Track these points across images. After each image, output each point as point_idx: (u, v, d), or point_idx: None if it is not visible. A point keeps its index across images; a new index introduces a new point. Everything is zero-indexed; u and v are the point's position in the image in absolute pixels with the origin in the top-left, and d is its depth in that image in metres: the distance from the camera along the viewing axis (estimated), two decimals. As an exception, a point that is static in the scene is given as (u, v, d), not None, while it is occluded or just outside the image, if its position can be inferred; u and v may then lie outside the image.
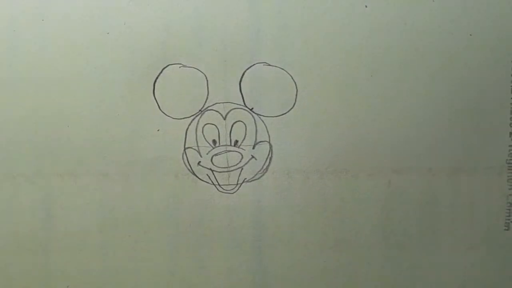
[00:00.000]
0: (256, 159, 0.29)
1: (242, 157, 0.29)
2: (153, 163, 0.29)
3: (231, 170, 0.30)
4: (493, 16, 0.29)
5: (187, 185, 0.30)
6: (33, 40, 0.29)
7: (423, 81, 0.29)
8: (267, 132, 0.29)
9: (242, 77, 0.29)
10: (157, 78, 0.29)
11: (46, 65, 0.29)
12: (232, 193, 0.30)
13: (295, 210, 0.30)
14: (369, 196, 0.30)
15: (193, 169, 0.30)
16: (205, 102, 0.29)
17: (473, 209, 0.30)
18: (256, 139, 0.29)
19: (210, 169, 0.30)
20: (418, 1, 0.29)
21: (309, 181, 0.29)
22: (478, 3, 0.29)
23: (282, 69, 0.29)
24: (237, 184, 0.30)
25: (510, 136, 0.29)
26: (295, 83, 0.29)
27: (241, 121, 0.29)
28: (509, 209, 0.29)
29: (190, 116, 0.29)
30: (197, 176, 0.30)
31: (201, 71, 0.29)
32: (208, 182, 0.30)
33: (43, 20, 0.29)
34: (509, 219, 0.29)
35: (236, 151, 0.29)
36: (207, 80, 0.29)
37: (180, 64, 0.29)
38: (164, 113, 0.29)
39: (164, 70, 0.29)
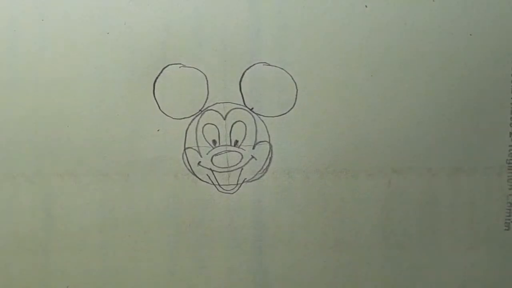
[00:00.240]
0: (256, 159, 0.29)
1: (242, 157, 0.29)
2: (153, 163, 0.29)
3: (231, 170, 0.30)
4: (493, 16, 0.29)
5: (187, 185, 0.30)
6: (33, 40, 0.29)
7: (423, 81, 0.29)
8: (267, 132, 0.29)
9: (242, 77, 0.29)
10: (157, 78, 0.29)
11: (46, 65, 0.29)
12: (232, 193, 0.30)
13: (295, 210, 0.30)
14: (369, 196, 0.30)
15: (193, 169, 0.30)
16: (205, 102, 0.29)
17: (473, 209, 0.30)
18: (256, 139, 0.29)
19: (210, 169, 0.30)
20: (418, 1, 0.29)
21: (309, 181, 0.29)
22: (478, 3, 0.29)
23: (282, 69, 0.29)
24: (237, 184, 0.30)
25: (510, 136, 0.29)
26: (295, 83, 0.29)
27: (241, 121, 0.29)
28: (509, 209, 0.29)
29: (190, 116, 0.29)
30: (197, 176, 0.30)
31: (201, 71, 0.29)
32: (208, 182, 0.30)
33: (43, 20, 0.29)
34: (509, 219, 0.29)
35: (236, 151, 0.29)
36: (207, 80, 0.29)
37: (180, 64, 0.29)
38: (164, 113, 0.29)
39: (164, 70, 0.29)
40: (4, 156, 0.29)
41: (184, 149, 0.29)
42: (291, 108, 0.29)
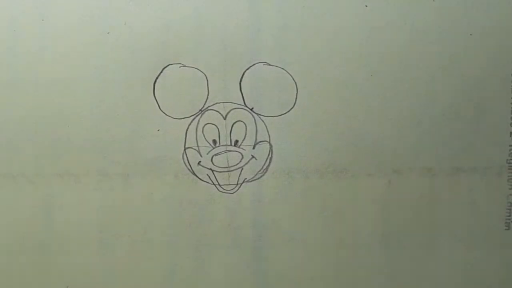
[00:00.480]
0: (256, 159, 0.29)
1: (242, 157, 0.29)
2: (153, 163, 0.29)
3: (231, 170, 0.30)
4: (493, 16, 0.29)
5: (187, 185, 0.30)
6: (33, 40, 0.29)
7: (423, 81, 0.29)
8: (267, 132, 0.29)
9: (242, 77, 0.29)
10: (157, 78, 0.29)
11: (46, 65, 0.29)
12: (232, 193, 0.30)
13: (295, 210, 0.30)
14: (369, 196, 0.30)
15: (193, 169, 0.30)
16: (205, 102, 0.29)
17: (473, 209, 0.30)
18: (256, 139, 0.29)
19: (210, 169, 0.30)
20: (418, 1, 0.29)
21: (309, 181, 0.29)
22: (478, 3, 0.29)
23: (282, 69, 0.29)
24: (237, 184, 0.30)
25: (510, 136, 0.29)
26: (295, 83, 0.29)
27: (241, 121, 0.29)
28: (510, 209, 0.29)
29: (190, 116, 0.29)
30: (197, 176, 0.30)
31: (201, 71, 0.29)
32: (208, 182, 0.30)
33: (43, 20, 0.29)
34: (509, 219, 0.29)
35: (236, 151, 0.29)
36: (207, 80, 0.29)
37: (180, 64, 0.29)
38: (164, 113, 0.29)
39: (164, 70, 0.29)
40: (4, 156, 0.29)
41: (184, 149, 0.29)
42: (291, 108, 0.29)
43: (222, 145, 0.29)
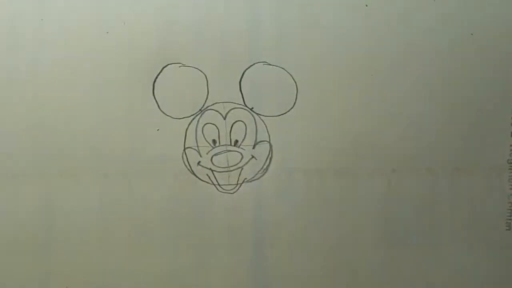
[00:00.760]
0: (256, 159, 0.29)
1: (242, 157, 0.29)
2: (153, 163, 0.29)
3: (231, 170, 0.30)
4: (493, 16, 0.29)
5: (187, 185, 0.30)
6: (33, 40, 0.29)
7: (423, 81, 0.29)
8: (267, 131, 0.29)
9: (242, 76, 0.29)
10: (157, 78, 0.29)
11: (46, 65, 0.29)
12: (232, 193, 0.30)
13: (295, 210, 0.30)
14: (369, 196, 0.30)
15: (193, 169, 0.30)
16: (205, 101, 0.29)
17: (474, 209, 0.29)
18: (256, 138, 0.29)
19: (210, 169, 0.30)
20: (418, 1, 0.29)
21: (309, 181, 0.29)
22: (478, 3, 0.29)
23: (283, 68, 0.29)
24: (237, 184, 0.30)
25: (511, 136, 0.29)
26: (295, 82, 0.29)
27: (241, 121, 0.29)
28: (510, 209, 0.29)
29: (190, 116, 0.29)
30: (197, 176, 0.30)
31: (201, 71, 0.29)
32: (208, 182, 0.30)
33: (43, 20, 0.29)
34: (510, 219, 0.29)
35: (236, 151, 0.29)
36: (207, 80, 0.29)
37: (180, 63, 0.29)
38: (164, 113, 0.29)
39: (164, 70, 0.29)
40: (4, 156, 0.29)
41: (184, 149, 0.29)
42: (291, 108, 0.29)
43: (222, 145, 0.29)
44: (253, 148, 0.29)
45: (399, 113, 0.29)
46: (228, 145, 0.29)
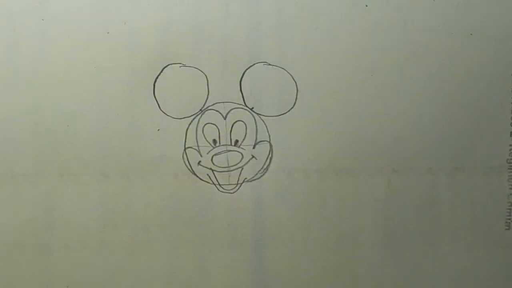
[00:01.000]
0: (256, 158, 0.29)
1: (243, 157, 0.29)
2: (153, 163, 0.29)
3: (232, 170, 0.30)
4: (493, 16, 0.29)
5: (187, 185, 0.30)
6: (33, 40, 0.29)
7: (423, 81, 0.29)
8: (268, 131, 0.29)
9: (242, 76, 0.29)
10: (157, 78, 0.29)
11: (46, 65, 0.29)
12: (232, 193, 0.30)
13: (295, 210, 0.30)
14: (369, 196, 0.30)
15: (193, 169, 0.30)
16: (205, 101, 0.29)
17: (473, 209, 0.30)
18: (256, 138, 0.29)
19: (211, 168, 0.30)
20: (418, 1, 0.29)
21: (310, 181, 0.29)
22: (478, 3, 0.29)
23: (283, 68, 0.29)
24: (237, 184, 0.30)
25: (510, 136, 0.29)
26: (295, 82, 0.29)
27: (241, 121, 0.29)
28: (510, 209, 0.29)
29: (190, 116, 0.29)
30: (197, 176, 0.30)
31: (201, 71, 0.29)
32: (208, 182, 0.30)
33: (43, 20, 0.29)
34: (509, 219, 0.29)
35: (237, 151, 0.29)
36: (207, 80, 0.29)
37: (180, 64, 0.29)
38: (164, 113, 0.29)
39: (164, 70, 0.29)
40: (4, 156, 0.29)
41: (184, 149, 0.29)
42: (291, 108, 0.29)
43: (222, 145, 0.29)
44: (253, 148, 0.29)
45: (399, 113, 0.29)
46: (229, 145, 0.29)
